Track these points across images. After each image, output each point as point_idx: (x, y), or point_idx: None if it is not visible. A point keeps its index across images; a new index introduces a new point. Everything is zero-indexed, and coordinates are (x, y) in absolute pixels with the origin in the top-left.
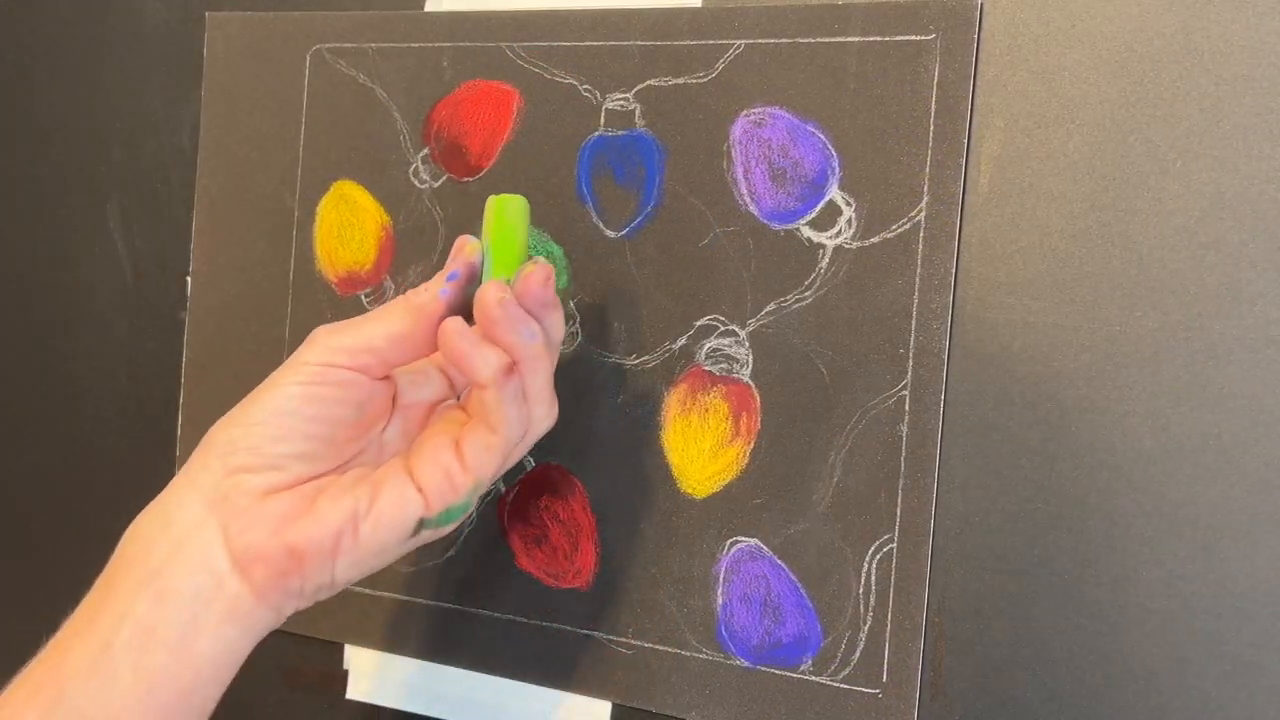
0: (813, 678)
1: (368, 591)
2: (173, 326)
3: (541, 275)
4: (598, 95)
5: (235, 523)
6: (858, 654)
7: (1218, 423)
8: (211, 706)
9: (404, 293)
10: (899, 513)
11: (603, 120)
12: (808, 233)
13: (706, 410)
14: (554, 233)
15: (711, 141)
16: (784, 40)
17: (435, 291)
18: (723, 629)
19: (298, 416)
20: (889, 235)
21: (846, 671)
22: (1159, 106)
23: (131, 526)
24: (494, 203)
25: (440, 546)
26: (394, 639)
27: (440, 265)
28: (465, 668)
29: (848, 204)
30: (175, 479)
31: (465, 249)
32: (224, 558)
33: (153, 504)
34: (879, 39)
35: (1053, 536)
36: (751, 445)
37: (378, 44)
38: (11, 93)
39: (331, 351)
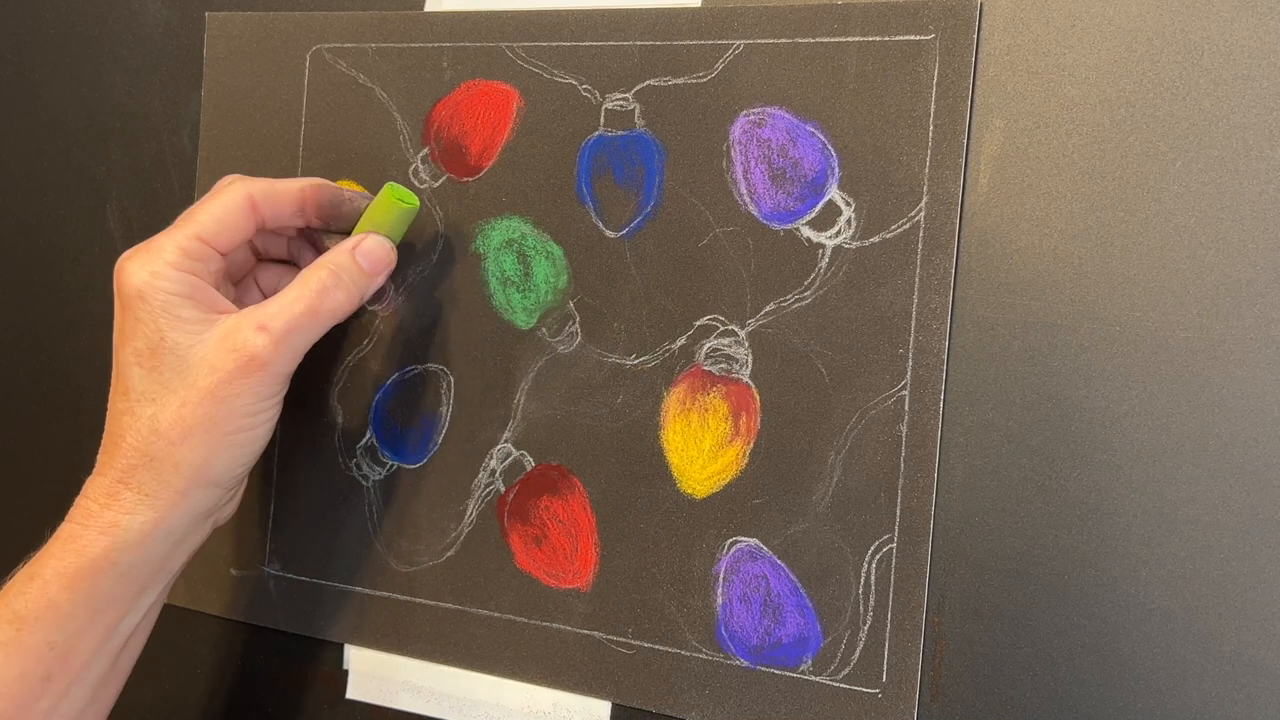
0: (812, 678)
1: (368, 591)
2: None
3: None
4: (598, 95)
5: None
6: (857, 654)
7: (1218, 423)
8: None
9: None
10: (898, 513)
11: (602, 120)
12: (807, 233)
13: (706, 410)
14: (554, 233)
15: (711, 141)
16: (784, 40)
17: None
18: (722, 629)
19: None
20: (888, 235)
21: (846, 671)
22: (1159, 106)
23: None
24: (390, 190)
25: (440, 547)
26: (394, 639)
27: (439, 266)
28: (465, 668)
29: (847, 204)
30: None
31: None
32: None
33: None
34: (878, 39)
35: (1053, 536)
36: (751, 445)
37: (378, 44)
38: (11, 93)
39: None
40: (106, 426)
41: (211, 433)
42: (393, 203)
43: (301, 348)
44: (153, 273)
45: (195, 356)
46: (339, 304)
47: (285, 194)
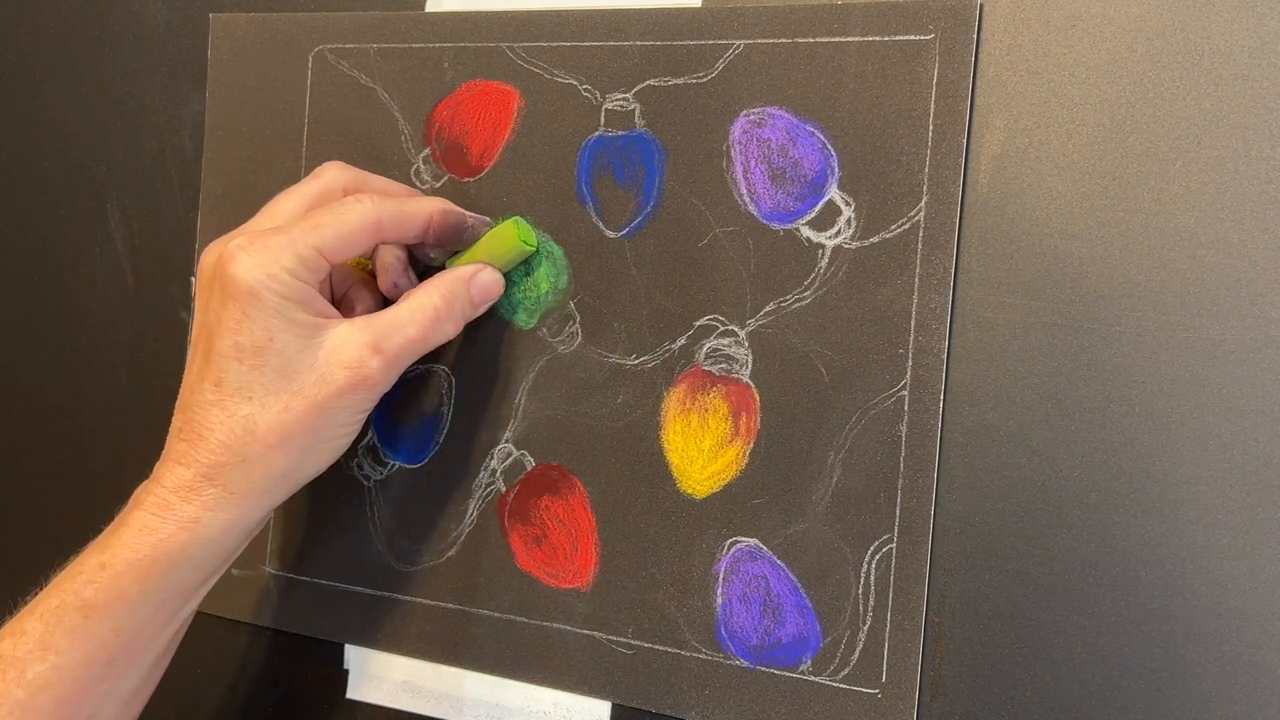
0: (812, 678)
1: (368, 591)
2: (173, 326)
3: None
4: (598, 95)
5: None
6: (857, 654)
7: (1218, 423)
8: None
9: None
10: (898, 513)
11: (603, 120)
12: (807, 233)
13: (706, 410)
14: (554, 233)
15: (711, 141)
16: (783, 40)
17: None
18: (722, 629)
19: None
20: (888, 235)
21: (846, 672)
22: (1159, 106)
23: None
24: (514, 227)
25: (441, 546)
26: (394, 639)
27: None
28: (465, 668)
29: (847, 204)
30: None
31: (486, 231)
32: None
33: None
34: (878, 39)
35: (1053, 536)
36: (751, 445)
37: (379, 45)
38: (11, 93)
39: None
40: (187, 414)
41: (308, 440)
42: (516, 243)
43: (404, 368)
44: (270, 275)
45: (303, 363)
46: (445, 334)
47: (413, 220)
